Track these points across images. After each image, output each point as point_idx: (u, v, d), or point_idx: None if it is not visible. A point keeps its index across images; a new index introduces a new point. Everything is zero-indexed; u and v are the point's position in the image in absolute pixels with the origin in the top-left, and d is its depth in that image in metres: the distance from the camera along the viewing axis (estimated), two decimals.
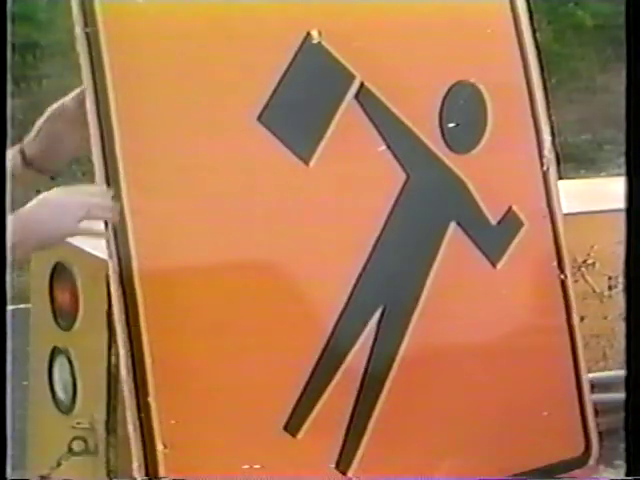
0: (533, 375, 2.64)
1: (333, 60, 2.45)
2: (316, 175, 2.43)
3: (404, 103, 2.53)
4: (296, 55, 2.41)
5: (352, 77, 2.47)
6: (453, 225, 2.58)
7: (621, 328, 2.78)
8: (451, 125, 2.59)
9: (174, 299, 2.27)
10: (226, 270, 2.31)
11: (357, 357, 2.43)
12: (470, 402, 2.56)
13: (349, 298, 2.43)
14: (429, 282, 2.54)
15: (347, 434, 2.41)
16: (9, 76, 1.94)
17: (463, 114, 2.62)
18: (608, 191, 3.14)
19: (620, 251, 1.93)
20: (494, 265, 2.63)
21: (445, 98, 2.59)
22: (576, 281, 3.86)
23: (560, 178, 2.79)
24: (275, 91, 2.37)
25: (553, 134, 2.75)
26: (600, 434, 2.77)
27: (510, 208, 2.65)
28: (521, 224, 2.67)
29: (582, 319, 3.88)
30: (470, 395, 2.56)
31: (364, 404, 2.43)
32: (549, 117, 2.75)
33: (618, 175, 2.22)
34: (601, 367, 3.85)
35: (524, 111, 2.72)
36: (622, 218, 1.89)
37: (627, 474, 1.96)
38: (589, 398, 2.75)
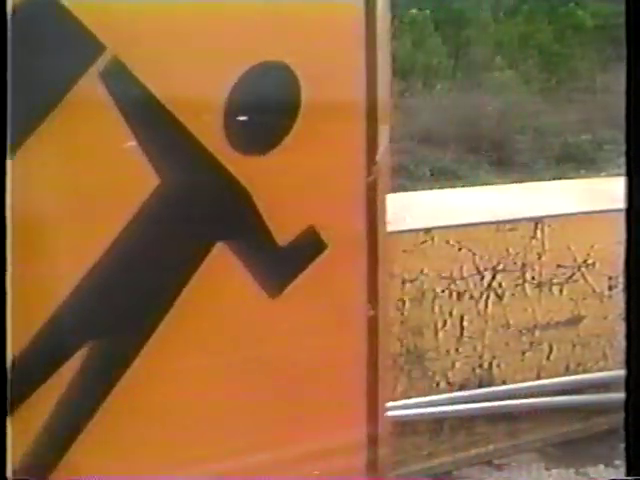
0: (310, 417, 2.22)
1: (75, 24, 1.82)
2: (21, 173, 1.80)
3: (174, 86, 1.94)
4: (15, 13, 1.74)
5: (100, 48, 1.83)
6: (220, 245, 2.05)
7: (621, 328, 2.79)
8: (242, 118, 2.01)
9: None
10: None
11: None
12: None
13: (44, 329, 1.89)
14: (171, 315, 2.02)
15: None
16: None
17: (263, 104, 2.05)
18: (608, 191, 3.14)
19: (620, 251, 1.93)
20: (273, 296, 2.12)
21: (238, 83, 1.99)
22: (576, 281, 3.88)
23: (560, 178, 2.78)
24: None
25: (391, 139, 2.19)
26: (600, 434, 2.77)
27: (311, 227, 2.13)
28: (323, 247, 2.15)
29: (582, 319, 3.90)
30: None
31: None
32: (390, 117, 2.18)
33: (618, 175, 2.22)
34: (601, 367, 3.87)
35: (355, 106, 2.14)
36: (622, 218, 1.89)
37: (627, 474, 1.95)
38: (384, 434, 2.32)
